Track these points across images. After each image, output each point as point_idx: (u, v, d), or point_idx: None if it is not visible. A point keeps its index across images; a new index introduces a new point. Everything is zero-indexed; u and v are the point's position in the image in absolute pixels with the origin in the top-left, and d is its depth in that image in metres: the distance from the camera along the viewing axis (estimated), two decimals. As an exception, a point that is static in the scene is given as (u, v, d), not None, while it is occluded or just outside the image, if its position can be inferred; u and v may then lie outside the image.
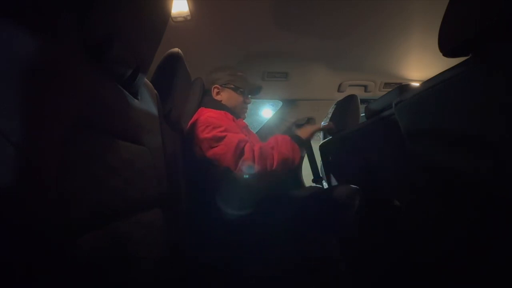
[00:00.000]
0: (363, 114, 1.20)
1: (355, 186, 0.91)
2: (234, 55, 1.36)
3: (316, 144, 1.75)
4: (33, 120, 0.25)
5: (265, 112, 2.58)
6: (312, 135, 0.99)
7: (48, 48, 0.29)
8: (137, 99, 0.53)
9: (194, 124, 0.92)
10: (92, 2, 0.35)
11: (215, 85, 1.07)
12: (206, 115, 0.94)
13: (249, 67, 1.45)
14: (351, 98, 1.42)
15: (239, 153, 0.84)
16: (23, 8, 0.26)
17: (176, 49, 0.75)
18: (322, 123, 2.35)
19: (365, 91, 1.69)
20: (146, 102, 0.58)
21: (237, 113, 1.08)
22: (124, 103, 0.47)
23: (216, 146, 0.86)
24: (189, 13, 1.04)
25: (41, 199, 0.26)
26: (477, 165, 0.48)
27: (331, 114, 1.56)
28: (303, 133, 0.97)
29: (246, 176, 0.84)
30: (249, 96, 1.13)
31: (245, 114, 1.14)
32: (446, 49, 0.49)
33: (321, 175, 1.80)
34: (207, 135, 0.87)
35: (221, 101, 1.06)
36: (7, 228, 0.22)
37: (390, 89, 1.15)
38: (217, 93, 1.07)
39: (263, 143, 0.93)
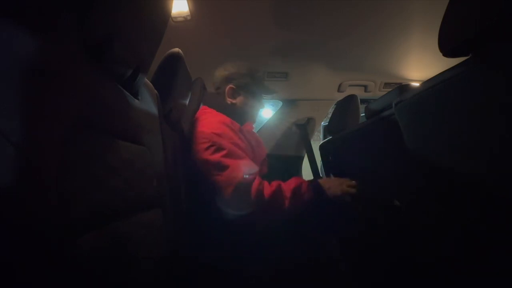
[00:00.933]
0: (363, 114, 1.21)
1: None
2: (234, 55, 1.36)
3: (316, 144, 1.76)
4: (33, 120, 0.25)
5: (265, 112, 2.58)
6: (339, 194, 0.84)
7: (48, 48, 0.29)
8: (137, 99, 0.53)
9: (196, 131, 0.86)
10: (92, 2, 0.35)
11: (230, 85, 0.96)
12: (210, 128, 0.84)
13: None
14: (351, 98, 1.42)
15: (241, 191, 0.77)
16: (23, 8, 0.26)
17: (176, 49, 0.75)
18: (322, 123, 2.35)
19: (365, 91, 1.69)
20: (146, 102, 0.58)
21: (246, 119, 1.00)
22: (124, 103, 0.47)
23: (218, 175, 0.79)
24: (189, 13, 1.04)
25: (41, 199, 0.26)
26: (477, 165, 0.48)
27: (331, 114, 1.56)
28: (329, 187, 0.84)
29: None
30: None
31: (254, 122, 1.06)
32: (446, 49, 0.49)
33: (321, 175, 1.80)
34: (210, 157, 0.80)
35: (235, 104, 0.96)
36: (7, 228, 0.22)
37: (390, 89, 1.15)
38: (232, 95, 0.95)
39: (279, 185, 0.83)
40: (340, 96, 1.59)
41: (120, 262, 0.38)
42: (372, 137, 0.97)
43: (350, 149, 1.23)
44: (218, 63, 1.41)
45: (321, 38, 1.25)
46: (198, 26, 1.11)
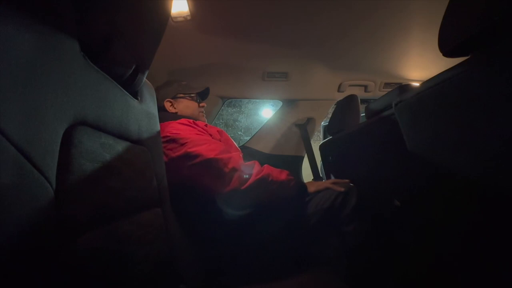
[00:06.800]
0: (363, 114, 1.21)
1: (351, 184, 0.91)
2: (234, 55, 1.37)
3: (316, 144, 1.76)
4: (33, 120, 0.25)
5: (265, 112, 2.58)
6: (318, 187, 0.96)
7: (47, 48, 0.29)
8: (137, 99, 0.53)
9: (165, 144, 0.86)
10: (92, 2, 0.35)
11: (167, 99, 1.07)
12: (167, 131, 0.86)
13: (249, 67, 1.45)
14: (351, 98, 1.42)
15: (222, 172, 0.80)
16: (23, 8, 0.26)
17: None
18: (322, 123, 2.35)
19: (365, 91, 1.69)
20: (146, 102, 0.58)
21: (195, 120, 1.04)
22: (124, 103, 0.47)
23: (192, 165, 0.80)
24: (189, 13, 1.04)
25: (41, 199, 0.26)
26: (477, 165, 0.48)
27: (331, 114, 1.56)
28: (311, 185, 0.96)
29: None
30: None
31: (204, 118, 1.13)
32: (446, 49, 0.49)
33: (321, 175, 1.80)
34: (176, 154, 0.81)
35: (177, 112, 1.06)
36: (7, 228, 0.22)
37: (390, 89, 1.15)
38: (171, 106, 1.07)
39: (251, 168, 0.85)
40: (340, 96, 1.59)
41: (120, 261, 0.38)
42: (372, 137, 0.97)
43: (350, 149, 1.23)
44: (218, 63, 1.41)
45: (321, 38, 1.25)
46: (198, 26, 1.12)
